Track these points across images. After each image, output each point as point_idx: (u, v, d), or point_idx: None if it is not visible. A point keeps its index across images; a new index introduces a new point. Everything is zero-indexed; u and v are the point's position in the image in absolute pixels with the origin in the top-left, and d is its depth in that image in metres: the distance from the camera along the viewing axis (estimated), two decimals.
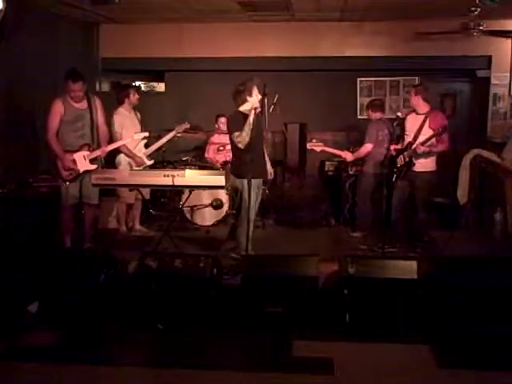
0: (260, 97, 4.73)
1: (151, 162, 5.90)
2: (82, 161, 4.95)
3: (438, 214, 5.97)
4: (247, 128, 4.57)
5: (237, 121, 4.70)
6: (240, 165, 4.73)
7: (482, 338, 3.32)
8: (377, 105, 5.99)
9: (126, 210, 6.04)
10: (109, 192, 5.86)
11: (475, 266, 3.80)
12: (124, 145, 5.50)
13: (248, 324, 3.68)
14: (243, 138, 4.60)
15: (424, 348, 3.35)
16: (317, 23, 7.20)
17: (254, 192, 4.74)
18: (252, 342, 3.52)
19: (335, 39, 7.30)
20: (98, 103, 5.12)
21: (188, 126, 6.03)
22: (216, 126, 6.81)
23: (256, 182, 4.79)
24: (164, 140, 6.00)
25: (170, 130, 6.63)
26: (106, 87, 8.25)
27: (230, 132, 4.81)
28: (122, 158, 5.77)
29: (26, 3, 5.81)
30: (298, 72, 7.55)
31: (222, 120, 6.73)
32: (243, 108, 4.78)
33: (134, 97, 5.84)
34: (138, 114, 6.00)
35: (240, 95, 4.76)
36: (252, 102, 4.72)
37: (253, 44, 7.42)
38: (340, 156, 6.14)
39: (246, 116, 4.66)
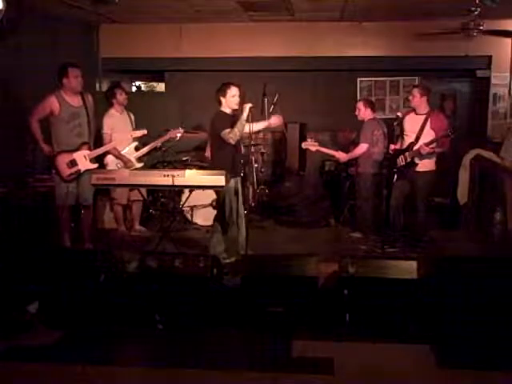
0: (238, 99, 4.82)
1: (141, 164, 5.82)
2: (83, 160, 4.94)
3: (438, 214, 5.98)
4: (239, 124, 4.69)
5: (223, 119, 4.81)
6: (227, 164, 4.78)
7: (481, 338, 3.32)
8: (369, 102, 5.96)
9: (123, 211, 6.03)
10: (107, 192, 5.87)
11: (475, 266, 3.80)
12: (114, 148, 5.46)
13: (248, 324, 3.68)
14: (235, 133, 4.71)
15: (424, 348, 3.35)
16: (317, 23, 7.21)
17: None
18: (252, 341, 3.52)
19: (335, 39, 7.31)
20: (91, 100, 5.12)
21: (182, 131, 5.88)
22: None
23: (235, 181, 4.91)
24: (155, 144, 5.89)
25: (170, 131, 6.63)
26: (105, 87, 8.25)
27: (216, 130, 4.81)
28: (110, 159, 5.72)
29: (26, 3, 5.81)
30: (297, 72, 7.55)
31: None
32: (222, 108, 4.87)
33: (121, 96, 5.73)
34: (132, 115, 5.93)
35: (216, 96, 4.87)
36: (226, 102, 4.82)
37: (253, 44, 7.43)
38: (334, 156, 6.13)
39: (228, 115, 4.83)
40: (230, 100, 4.81)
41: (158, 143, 5.86)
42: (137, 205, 6.06)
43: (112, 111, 5.75)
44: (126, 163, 5.66)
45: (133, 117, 5.95)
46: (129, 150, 5.77)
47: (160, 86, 8.56)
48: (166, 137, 5.83)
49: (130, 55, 7.65)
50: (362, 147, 5.74)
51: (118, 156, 5.64)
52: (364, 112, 5.81)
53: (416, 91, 5.30)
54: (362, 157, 5.79)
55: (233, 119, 4.83)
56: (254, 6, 6.39)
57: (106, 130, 5.63)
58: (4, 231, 4.91)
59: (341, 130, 7.56)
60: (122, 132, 5.62)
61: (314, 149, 5.94)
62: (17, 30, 5.63)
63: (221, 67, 7.52)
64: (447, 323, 3.49)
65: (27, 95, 5.89)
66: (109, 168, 5.65)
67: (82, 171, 4.94)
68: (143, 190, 5.63)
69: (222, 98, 4.83)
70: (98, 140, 5.49)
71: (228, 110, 4.86)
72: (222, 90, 4.83)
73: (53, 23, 6.59)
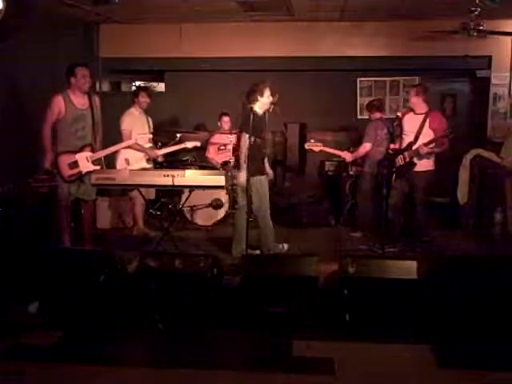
0: (271, 98, 4.90)
1: (150, 165, 5.88)
2: (85, 162, 4.92)
3: (438, 214, 5.97)
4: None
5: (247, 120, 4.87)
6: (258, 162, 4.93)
7: (482, 338, 3.32)
8: (375, 105, 6.01)
9: (131, 209, 6.03)
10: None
11: (475, 266, 3.80)
12: (135, 142, 5.49)
13: (248, 324, 3.68)
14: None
15: (424, 348, 3.35)
16: (317, 23, 7.20)
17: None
18: (252, 341, 3.52)
19: (335, 39, 7.30)
20: (98, 102, 5.12)
21: (199, 144, 6.04)
22: (219, 124, 6.80)
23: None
24: (172, 149, 6.01)
25: (170, 131, 6.65)
26: (105, 87, 8.25)
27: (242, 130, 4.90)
28: (119, 155, 5.74)
29: (26, 3, 5.80)
30: (298, 72, 7.55)
31: (226, 119, 6.74)
32: (254, 107, 4.88)
33: (142, 99, 5.84)
34: (150, 119, 5.99)
35: (252, 95, 4.87)
36: (262, 102, 4.87)
37: (253, 44, 7.42)
38: (339, 156, 6.14)
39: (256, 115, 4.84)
40: (266, 101, 4.88)
41: (173, 149, 5.99)
42: (141, 205, 6.05)
43: (132, 109, 5.85)
44: (150, 154, 5.80)
45: (151, 121, 5.98)
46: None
47: (160, 86, 8.54)
48: (181, 146, 5.89)
49: (130, 55, 7.64)
50: (366, 146, 5.77)
51: (141, 149, 5.72)
52: (369, 115, 6.00)
53: (412, 90, 5.38)
54: (365, 156, 5.81)
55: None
56: (254, 6, 6.39)
57: (124, 126, 5.68)
58: (4, 231, 4.91)
59: (345, 129, 7.56)
60: (138, 132, 5.66)
61: (317, 149, 5.94)
62: (16, 30, 5.63)
63: (221, 67, 7.52)
64: (447, 323, 3.49)
65: (27, 95, 5.90)
66: (118, 161, 5.69)
67: (83, 173, 4.94)
68: (151, 190, 5.65)
69: (260, 98, 4.86)
70: (113, 137, 5.51)
71: (260, 112, 4.90)
72: (259, 91, 4.86)
73: (53, 23, 6.58)
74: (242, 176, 4.79)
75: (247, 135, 4.73)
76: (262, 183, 4.91)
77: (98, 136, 5.12)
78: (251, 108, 4.68)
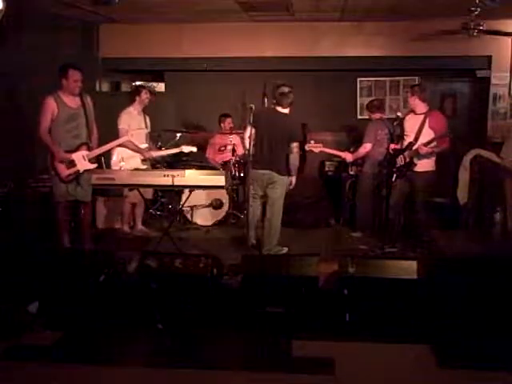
0: None
1: (145, 166, 5.86)
2: (82, 160, 4.93)
3: (438, 214, 5.98)
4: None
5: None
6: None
7: (482, 338, 3.32)
8: (375, 105, 6.02)
9: (131, 210, 6.03)
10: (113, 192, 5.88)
11: (475, 266, 3.80)
12: (129, 141, 5.47)
13: (248, 324, 3.68)
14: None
15: (424, 348, 3.35)
16: (317, 23, 7.20)
17: None
18: (252, 341, 3.52)
19: (335, 39, 7.30)
20: (90, 101, 5.11)
21: (195, 149, 5.99)
22: (222, 125, 6.79)
23: None
24: (167, 152, 6.03)
25: (170, 131, 6.64)
26: (105, 87, 8.25)
27: (297, 136, 5.08)
28: (114, 152, 5.74)
29: (26, 3, 5.81)
30: (298, 72, 7.54)
31: (228, 120, 6.73)
32: (287, 110, 5.01)
33: (145, 95, 5.83)
34: (148, 119, 5.97)
35: (287, 96, 4.99)
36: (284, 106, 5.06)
37: (253, 44, 7.42)
38: (340, 156, 6.15)
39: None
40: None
41: (170, 153, 6.00)
42: (141, 204, 6.05)
43: (130, 109, 5.80)
44: (145, 155, 5.74)
45: (148, 120, 5.96)
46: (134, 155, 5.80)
47: (160, 86, 8.54)
48: (178, 150, 5.89)
49: (129, 55, 7.64)
50: (366, 147, 5.77)
51: (136, 149, 5.68)
52: (370, 115, 6.04)
53: (410, 92, 5.44)
54: (365, 156, 5.82)
55: None
56: (254, 6, 6.39)
57: (122, 125, 5.65)
58: (4, 231, 4.91)
59: (346, 130, 7.56)
60: (134, 131, 5.64)
61: (317, 150, 5.95)
62: (16, 30, 5.63)
63: (221, 67, 7.52)
64: (447, 323, 3.49)
65: (26, 94, 5.90)
66: (114, 158, 5.68)
67: (80, 171, 4.94)
68: (147, 190, 5.64)
69: (293, 97, 5.05)
70: (113, 137, 5.50)
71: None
72: (290, 93, 5.01)
73: (53, 23, 6.59)
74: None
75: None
76: (283, 184, 5.07)
77: (93, 135, 5.12)
78: (251, 108, 4.67)
